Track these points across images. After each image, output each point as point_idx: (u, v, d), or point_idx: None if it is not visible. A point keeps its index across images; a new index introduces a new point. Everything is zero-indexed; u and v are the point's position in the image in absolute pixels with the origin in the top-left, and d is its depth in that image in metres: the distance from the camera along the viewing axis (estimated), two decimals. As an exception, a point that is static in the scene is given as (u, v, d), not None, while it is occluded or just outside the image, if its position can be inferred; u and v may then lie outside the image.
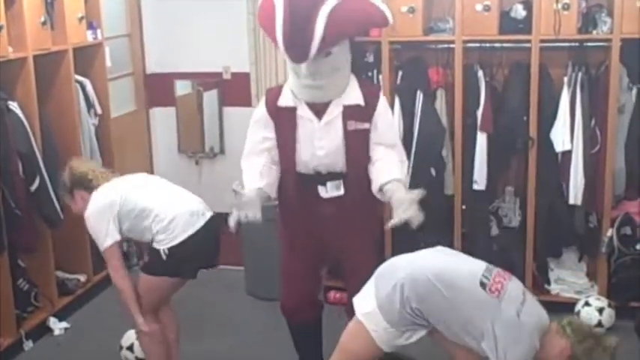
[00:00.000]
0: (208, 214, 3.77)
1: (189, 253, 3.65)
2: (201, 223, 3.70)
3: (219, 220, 3.79)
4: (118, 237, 3.63)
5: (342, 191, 3.53)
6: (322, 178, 3.53)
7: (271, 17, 3.28)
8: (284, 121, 3.52)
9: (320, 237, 3.62)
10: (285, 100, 3.52)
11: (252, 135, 3.65)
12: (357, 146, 3.46)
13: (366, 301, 3.11)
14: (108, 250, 3.64)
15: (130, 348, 4.13)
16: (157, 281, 3.70)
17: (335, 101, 3.47)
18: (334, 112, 3.46)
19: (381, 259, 3.29)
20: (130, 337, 4.12)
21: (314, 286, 3.82)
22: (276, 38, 3.29)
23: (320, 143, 3.48)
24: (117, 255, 3.67)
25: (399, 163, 3.49)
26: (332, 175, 3.52)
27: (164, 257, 3.61)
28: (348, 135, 3.45)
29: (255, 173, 3.55)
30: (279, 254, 3.87)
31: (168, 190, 3.85)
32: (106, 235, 3.61)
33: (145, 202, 3.64)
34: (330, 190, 3.53)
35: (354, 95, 3.48)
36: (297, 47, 3.28)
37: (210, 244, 3.78)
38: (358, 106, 3.46)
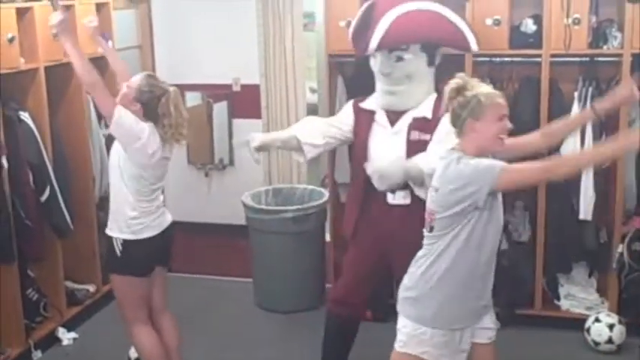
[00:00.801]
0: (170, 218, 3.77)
1: (145, 253, 3.61)
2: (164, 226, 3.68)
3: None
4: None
5: (409, 200, 3.68)
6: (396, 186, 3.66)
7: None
8: (362, 122, 3.83)
9: (383, 243, 3.74)
10: (367, 104, 3.85)
11: (330, 119, 4.05)
12: (417, 154, 3.59)
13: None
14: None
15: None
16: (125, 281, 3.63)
17: (409, 113, 3.72)
18: (405, 122, 3.72)
19: None
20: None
21: (366, 285, 3.89)
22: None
23: (388, 148, 3.70)
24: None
25: (428, 155, 3.54)
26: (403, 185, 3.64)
27: (119, 253, 3.57)
28: (409, 144, 3.67)
29: (307, 128, 3.94)
30: (288, 267, 3.90)
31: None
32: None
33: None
34: (397, 198, 3.70)
35: (425, 108, 3.72)
36: (359, 38, 3.77)
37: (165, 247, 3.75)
38: (424, 118, 3.70)
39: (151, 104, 3.56)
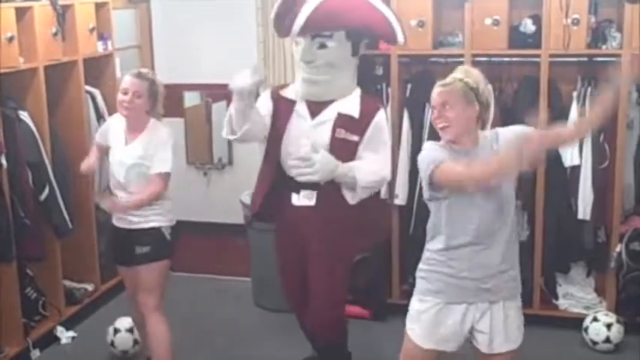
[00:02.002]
0: None
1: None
2: None
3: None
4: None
5: (313, 202, 3.59)
6: (297, 185, 3.60)
7: None
8: (281, 110, 3.66)
9: (294, 242, 3.71)
10: (288, 93, 3.71)
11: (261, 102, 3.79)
12: (340, 155, 3.52)
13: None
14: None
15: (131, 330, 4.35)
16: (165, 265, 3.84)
17: (332, 106, 3.59)
18: (328, 115, 3.59)
19: (346, 282, 3.24)
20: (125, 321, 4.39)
21: (304, 282, 3.82)
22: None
23: (305, 141, 3.58)
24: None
25: (368, 164, 3.52)
26: (308, 185, 3.58)
27: (168, 237, 3.77)
28: (333, 141, 3.55)
29: None
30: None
31: None
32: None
33: None
34: (301, 199, 3.60)
35: (351, 106, 3.59)
36: (282, 21, 3.53)
37: None
38: (351, 117, 3.57)
39: (158, 97, 3.79)
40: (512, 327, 3.03)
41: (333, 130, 3.56)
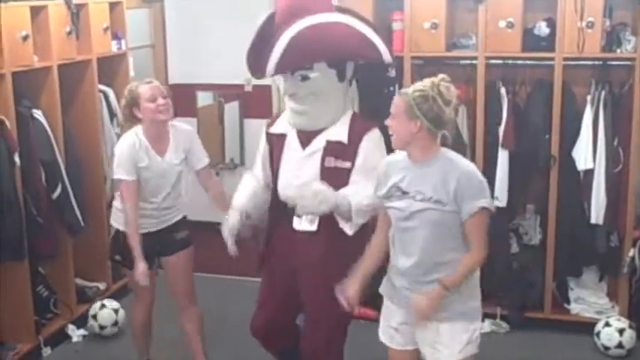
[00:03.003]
0: None
1: None
2: None
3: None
4: None
5: (314, 227, 3.44)
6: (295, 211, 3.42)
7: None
8: (276, 147, 3.59)
9: (291, 268, 3.56)
10: (277, 128, 3.61)
11: (258, 151, 3.78)
12: (333, 183, 3.32)
13: None
14: None
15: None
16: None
17: (323, 134, 3.46)
18: (318, 145, 3.45)
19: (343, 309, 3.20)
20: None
21: (283, 316, 3.73)
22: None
23: (298, 172, 3.47)
24: None
25: (361, 189, 3.30)
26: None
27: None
28: (324, 170, 3.41)
29: (245, 192, 3.69)
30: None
31: None
32: None
33: None
34: (303, 223, 3.45)
35: (340, 132, 3.44)
36: (255, 64, 3.50)
37: None
38: (340, 143, 3.42)
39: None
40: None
41: (323, 159, 3.43)
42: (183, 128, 3.86)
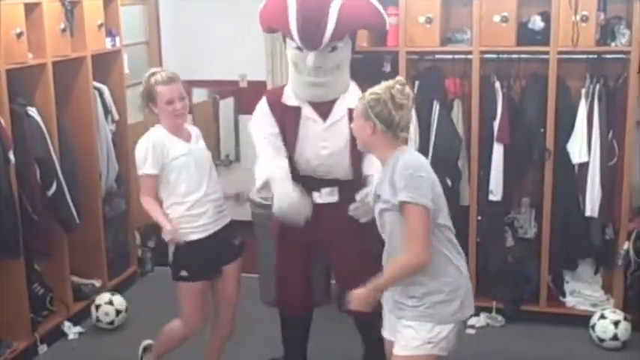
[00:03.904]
0: None
1: None
2: None
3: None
4: None
5: (336, 198, 3.61)
6: (317, 183, 3.60)
7: (281, 10, 3.53)
8: (288, 120, 3.64)
9: (312, 241, 3.68)
10: (289, 100, 3.66)
11: (259, 134, 3.73)
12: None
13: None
14: None
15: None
16: None
17: (338, 102, 3.60)
18: (339, 113, 3.59)
19: (376, 270, 3.25)
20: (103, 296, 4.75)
21: (306, 286, 3.88)
22: (289, 28, 3.50)
23: (324, 143, 3.59)
24: None
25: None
26: (327, 182, 3.59)
27: None
28: (353, 138, 3.45)
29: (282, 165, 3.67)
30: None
31: None
32: None
33: None
34: (323, 196, 3.61)
35: (355, 99, 3.48)
36: (311, 34, 3.48)
37: None
38: None
39: None
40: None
41: (351, 128, 3.51)
42: (192, 126, 3.90)
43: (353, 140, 3.45)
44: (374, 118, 2.91)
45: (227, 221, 3.80)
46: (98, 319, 4.75)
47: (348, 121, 3.51)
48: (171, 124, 3.67)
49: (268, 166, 3.62)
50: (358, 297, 2.96)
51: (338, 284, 3.93)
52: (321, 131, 3.60)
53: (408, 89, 2.98)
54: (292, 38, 3.54)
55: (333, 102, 3.61)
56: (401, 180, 2.82)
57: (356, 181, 3.60)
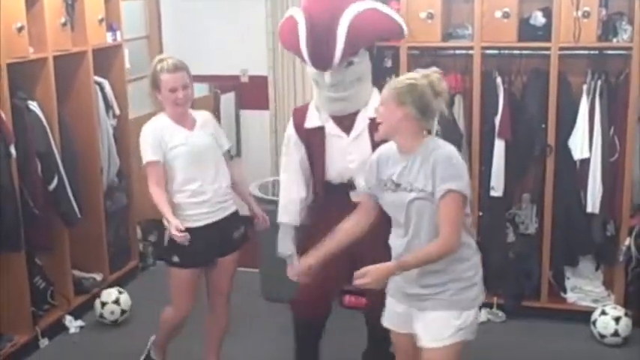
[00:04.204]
0: None
1: None
2: None
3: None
4: None
5: None
6: (353, 184, 3.60)
7: (294, 32, 3.50)
8: (314, 141, 3.66)
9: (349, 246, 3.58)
10: (311, 122, 3.68)
11: (288, 156, 3.78)
12: None
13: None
14: None
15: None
16: None
17: (360, 115, 3.59)
18: (361, 125, 3.58)
19: None
20: (111, 292, 4.73)
21: (332, 290, 3.86)
22: (301, 51, 3.49)
23: (351, 157, 3.60)
24: None
25: None
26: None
27: None
28: (375, 147, 3.44)
29: (294, 204, 3.76)
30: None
31: None
32: None
33: None
34: (356, 197, 3.56)
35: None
36: (321, 55, 3.47)
37: None
38: None
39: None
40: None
41: (372, 137, 3.50)
42: (202, 112, 3.88)
43: (374, 149, 3.42)
44: (409, 104, 2.87)
45: (230, 212, 3.77)
46: (102, 316, 4.74)
47: (369, 132, 3.52)
48: (173, 112, 3.68)
49: (283, 206, 3.78)
50: (378, 272, 2.89)
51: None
52: (346, 146, 3.61)
53: (445, 82, 2.99)
54: (304, 60, 3.57)
55: (355, 114, 3.61)
56: (446, 169, 2.84)
57: None
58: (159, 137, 3.63)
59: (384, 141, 3.33)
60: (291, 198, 3.76)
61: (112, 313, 4.73)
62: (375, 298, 3.37)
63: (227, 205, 3.77)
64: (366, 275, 2.90)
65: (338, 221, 3.54)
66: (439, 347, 2.93)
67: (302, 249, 3.78)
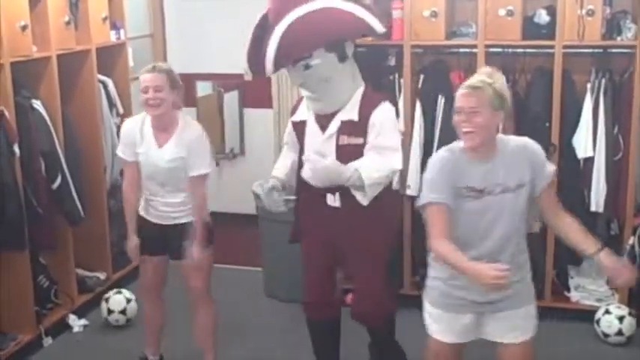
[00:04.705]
0: None
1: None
2: None
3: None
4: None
5: (338, 204, 3.61)
6: (324, 189, 3.59)
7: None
8: (299, 133, 3.72)
9: (329, 241, 3.71)
10: (298, 116, 3.74)
11: (284, 141, 3.92)
12: (349, 160, 3.49)
13: None
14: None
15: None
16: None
17: (338, 115, 3.57)
18: (334, 127, 3.57)
19: (386, 277, 3.24)
20: (120, 301, 4.64)
21: (330, 287, 3.87)
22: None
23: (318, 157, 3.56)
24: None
25: (372, 162, 3.46)
26: (332, 188, 3.58)
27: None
28: (339, 149, 3.54)
29: (282, 165, 3.86)
30: (298, 256, 3.93)
31: None
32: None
33: None
34: (336, 200, 3.62)
35: (351, 110, 3.56)
36: (254, 62, 3.57)
37: None
38: (352, 121, 3.54)
39: (180, 89, 3.76)
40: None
41: (337, 139, 3.55)
42: (194, 128, 3.74)
43: (338, 152, 3.52)
44: (501, 108, 2.86)
45: (177, 223, 3.76)
46: (107, 321, 4.71)
47: (337, 135, 3.53)
48: (151, 117, 3.70)
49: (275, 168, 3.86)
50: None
51: (355, 291, 3.89)
52: (320, 143, 3.60)
53: None
54: None
55: (334, 114, 3.57)
56: (541, 155, 2.97)
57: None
58: (131, 138, 3.72)
59: (349, 145, 3.48)
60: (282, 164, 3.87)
61: (117, 321, 4.70)
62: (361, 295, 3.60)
63: (177, 216, 3.77)
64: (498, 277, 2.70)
65: (320, 223, 3.67)
66: (526, 340, 3.06)
67: (294, 236, 3.94)
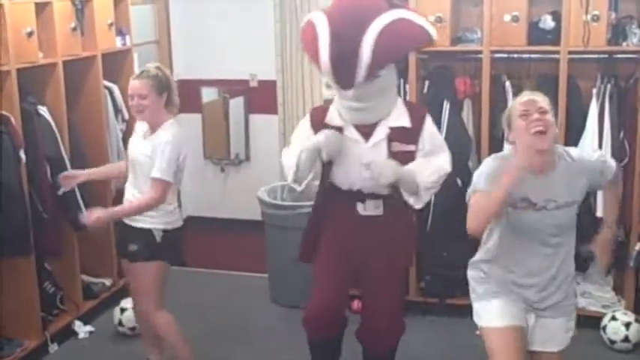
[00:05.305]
0: None
1: (180, 241, 3.89)
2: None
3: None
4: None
5: (380, 211, 3.54)
6: (362, 195, 3.53)
7: (314, 42, 3.31)
8: None
9: (352, 253, 3.59)
10: (333, 120, 3.53)
11: (297, 138, 3.65)
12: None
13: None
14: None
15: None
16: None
17: (382, 122, 3.49)
18: (381, 134, 3.48)
19: (402, 287, 3.22)
20: (132, 320, 4.49)
21: (341, 303, 3.75)
22: (321, 66, 3.31)
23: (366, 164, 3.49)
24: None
25: (428, 164, 3.47)
26: (373, 195, 3.52)
27: (158, 240, 3.73)
28: (392, 156, 3.45)
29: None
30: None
31: None
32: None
33: None
34: (368, 209, 3.54)
35: (400, 117, 3.50)
36: (343, 74, 3.29)
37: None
38: (404, 128, 3.49)
39: (170, 92, 3.73)
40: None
41: (389, 146, 3.46)
42: (167, 132, 3.69)
43: (392, 157, 3.45)
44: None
45: (131, 222, 3.76)
46: (121, 323, 4.65)
47: (388, 142, 3.47)
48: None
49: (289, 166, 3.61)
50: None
51: (368, 303, 3.75)
52: (362, 152, 3.48)
53: None
54: (325, 75, 3.43)
55: (377, 123, 3.49)
56: (596, 165, 3.03)
57: (402, 198, 3.52)
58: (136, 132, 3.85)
59: (401, 152, 3.41)
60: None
61: (125, 333, 4.64)
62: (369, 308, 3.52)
63: (134, 218, 3.76)
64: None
65: (344, 234, 3.55)
66: (562, 350, 3.16)
67: (305, 255, 3.78)
